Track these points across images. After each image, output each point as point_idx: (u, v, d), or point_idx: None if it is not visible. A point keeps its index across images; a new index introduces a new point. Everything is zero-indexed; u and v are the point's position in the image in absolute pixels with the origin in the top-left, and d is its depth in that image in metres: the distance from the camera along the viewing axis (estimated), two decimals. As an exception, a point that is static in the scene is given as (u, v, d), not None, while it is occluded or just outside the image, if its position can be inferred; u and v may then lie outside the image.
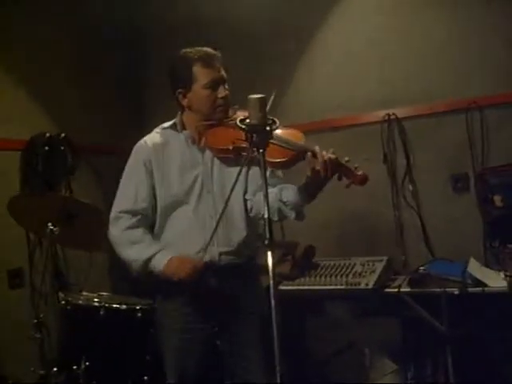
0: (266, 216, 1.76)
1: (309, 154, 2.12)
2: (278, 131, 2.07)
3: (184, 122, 2.41)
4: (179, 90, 2.33)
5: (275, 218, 2.27)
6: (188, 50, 2.34)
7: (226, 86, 2.33)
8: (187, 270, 2.23)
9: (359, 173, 2.17)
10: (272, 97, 2.08)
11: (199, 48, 2.33)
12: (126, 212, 2.36)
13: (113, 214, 2.39)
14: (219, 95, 2.30)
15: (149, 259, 2.29)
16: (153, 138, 2.42)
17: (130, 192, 2.38)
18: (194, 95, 2.31)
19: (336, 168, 2.13)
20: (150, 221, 2.39)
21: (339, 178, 2.20)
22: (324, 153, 2.11)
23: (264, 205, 1.78)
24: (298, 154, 2.16)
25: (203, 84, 2.28)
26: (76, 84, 3.84)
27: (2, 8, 3.37)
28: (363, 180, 2.18)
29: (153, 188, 2.37)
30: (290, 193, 2.21)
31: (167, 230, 2.39)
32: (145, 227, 2.37)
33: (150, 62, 4.28)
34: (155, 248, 2.32)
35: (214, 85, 2.29)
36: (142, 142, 2.43)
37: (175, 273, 2.25)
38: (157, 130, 2.46)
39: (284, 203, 2.23)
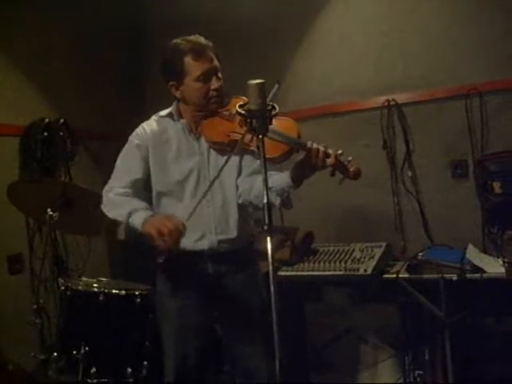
0: (265, 201, 1.77)
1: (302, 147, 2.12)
2: (273, 124, 2.07)
3: (181, 111, 2.40)
4: (171, 83, 2.32)
5: (261, 205, 2.25)
6: (179, 40, 2.30)
7: (220, 75, 2.31)
8: (166, 231, 2.09)
9: (352, 168, 2.16)
10: (275, 89, 2.07)
11: (190, 38, 2.29)
12: (117, 187, 2.38)
13: (105, 189, 2.41)
14: (212, 87, 2.27)
15: (129, 214, 2.25)
16: (151, 124, 2.42)
17: (122, 172, 2.40)
18: (186, 88, 2.30)
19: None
20: (142, 199, 2.37)
21: (332, 174, 2.19)
22: (316, 146, 2.11)
23: (263, 190, 1.78)
24: (291, 149, 2.16)
25: (195, 77, 2.26)
26: (75, 70, 3.83)
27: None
28: (356, 175, 2.18)
29: (148, 174, 2.38)
30: (275, 178, 2.20)
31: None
32: (135, 197, 2.37)
33: (151, 47, 4.26)
34: (139, 205, 2.29)
35: (206, 77, 2.26)
36: (140, 128, 2.43)
37: (153, 233, 2.12)
38: (154, 117, 2.45)
39: (269, 189, 2.22)
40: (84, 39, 3.91)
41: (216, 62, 2.30)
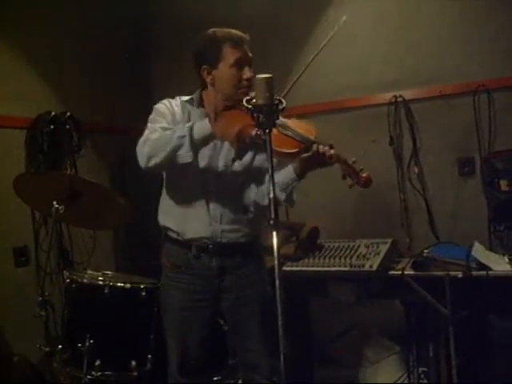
0: (271, 196, 1.76)
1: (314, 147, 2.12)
2: (292, 122, 2.05)
3: (203, 99, 2.39)
4: (204, 67, 2.31)
5: (265, 202, 2.23)
6: (218, 29, 2.32)
7: (251, 69, 2.31)
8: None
9: (364, 174, 2.16)
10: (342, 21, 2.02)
11: (229, 29, 2.32)
12: (159, 127, 2.30)
13: (142, 139, 2.27)
14: (244, 76, 2.27)
15: (191, 128, 2.15)
16: (176, 102, 2.41)
17: (160, 116, 2.35)
18: (219, 73, 2.29)
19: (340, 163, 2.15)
20: None
21: (343, 177, 2.20)
22: (328, 149, 2.12)
23: (270, 185, 1.78)
24: (306, 148, 2.16)
25: (230, 63, 2.26)
26: (82, 63, 3.83)
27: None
28: (367, 182, 2.18)
29: None
30: (279, 173, 2.21)
31: (172, 199, 2.40)
32: None
33: (158, 40, 4.26)
34: (190, 122, 2.22)
35: (240, 65, 2.27)
36: (166, 101, 2.41)
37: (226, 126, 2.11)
38: (176, 98, 2.43)
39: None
40: (90, 33, 3.90)
41: (251, 54, 2.31)
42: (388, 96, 3.60)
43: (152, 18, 4.31)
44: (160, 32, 4.23)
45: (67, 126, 3.52)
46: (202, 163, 2.33)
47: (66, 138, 3.51)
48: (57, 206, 2.81)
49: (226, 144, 2.35)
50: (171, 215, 2.40)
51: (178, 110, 2.38)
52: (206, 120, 2.17)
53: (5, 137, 3.33)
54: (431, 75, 3.51)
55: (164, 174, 2.42)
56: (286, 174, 2.23)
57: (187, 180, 2.34)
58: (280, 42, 3.88)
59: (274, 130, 1.89)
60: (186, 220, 2.35)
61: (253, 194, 2.36)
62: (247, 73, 2.28)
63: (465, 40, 3.42)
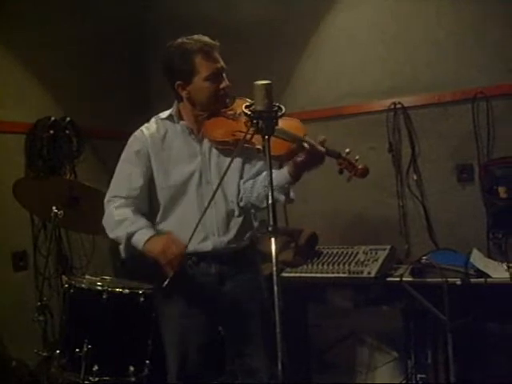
0: (270, 202, 1.76)
1: (305, 145, 2.13)
2: (280, 123, 2.06)
3: (181, 112, 2.39)
4: (178, 82, 2.29)
5: (264, 205, 2.25)
6: (185, 39, 2.28)
7: (224, 75, 2.31)
8: (170, 256, 2.15)
9: (360, 166, 2.17)
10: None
11: (197, 37, 2.28)
12: (118, 196, 2.35)
13: (106, 199, 2.38)
14: (220, 86, 2.28)
15: (131, 234, 2.24)
16: (150, 127, 2.40)
17: (122, 179, 2.37)
18: (194, 87, 2.28)
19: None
20: (143, 208, 2.37)
21: (340, 172, 2.20)
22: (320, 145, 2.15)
23: (269, 191, 1.78)
24: (297, 148, 2.16)
25: (205, 76, 2.25)
26: (82, 68, 3.83)
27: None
28: (364, 173, 2.18)
29: (149, 178, 2.36)
30: (274, 176, 2.20)
31: (168, 220, 2.39)
32: (135, 209, 2.33)
33: (158, 45, 4.26)
34: (140, 225, 2.27)
35: (215, 76, 2.26)
36: (139, 131, 2.40)
37: (158, 256, 2.17)
38: (154, 119, 2.43)
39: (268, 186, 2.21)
40: (89, 38, 3.91)
41: (222, 62, 2.30)
42: (387, 103, 3.61)
43: (153, 25, 4.33)
44: (160, 38, 4.23)
45: (67, 131, 3.54)
46: (194, 179, 2.33)
47: (65, 143, 3.52)
48: (56, 210, 2.81)
49: (215, 152, 2.35)
50: (167, 230, 2.38)
51: (152, 135, 2.36)
52: (148, 233, 2.23)
53: (4, 142, 3.34)
54: (430, 82, 3.52)
55: (157, 194, 2.39)
56: (280, 176, 2.22)
57: (182, 198, 2.34)
58: (279, 47, 3.89)
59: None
60: (183, 237, 2.34)
61: (250, 196, 2.35)
62: (223, 83, 2.28)
63: (463, 47, 3.43)
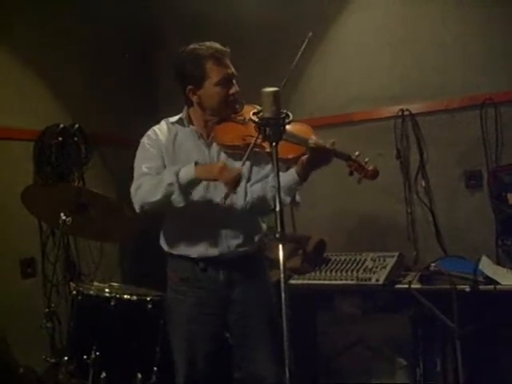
0: (277, 209, 1.76)
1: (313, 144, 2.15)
2: (288, 127, 2.07)
3: (191, 117, 2.42)
4: (190, 87, 2.33)
5: (271, 207, 2.24)
6: (197, 46, 2.33)
7: (234, 82, 2.34)
8: (226, 175, 2.12)
9: (370, 167, 2.17)
10: (307, 38, 2.06)
11: (209, 44, 2.32)
12: (143, 177, 2.32)
13: (133, 188, 2.32)
14: (230, 91, 2.31)
15: (177, 173, 2.19)
16: (162, 128, 2.43)
17: (143, 171, 2.35)
18: (205, 92, 2.32)
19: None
20: None
21: (350, 174, 2.21)
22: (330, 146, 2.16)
23: (276, 198, 1.78)
24: (306, 150, 2.17)
25: (215, 81, 2.29)
26: (90, 75, 3.86)
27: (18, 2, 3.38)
28: (374, 174, 2.19)
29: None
30: (281, 177, 2.21)
31: (175, 224, 2.40)
32: None
33: (164, 52, 4.28)
34: (178, 166, 2.24)
35: (225, 82, 2.30)
36: (151, 130, 2.44)
37: (214, 171, 2.16)
38: (164, 122, 2.46)
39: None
40: (99, 44, 3.94)
41: (233, 69, 2.34)
42: (395, 109, 3.60)
43: (161, 31, 4.34)
44: (171, 46, 4.25)
45: (75, 139, 3.55)
46: (202, 183, 2.33)
47: (73, 150, 3.53)
48: (64, 217, 2.82)
49: (223, 156, 2.37)
50: (175, 239, 2.40)
51: (164, 135, 2.40)
52: (192, 164, 2.20)
53: (13, 149, 3.35)
54: (438, 88, 3.51)
55: None
56: (288, 177, 2.23)
57: (191, 202, 2.34)
58: (287, 52, 3.88)
59: None
60: (193, 242, 2.34)
61: (256, 198, 2.35)
62: (233, 88, 2.31)
63: (471, 53, 3.42)
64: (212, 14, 3.89)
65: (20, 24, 3.43)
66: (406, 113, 3.58)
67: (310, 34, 2.16)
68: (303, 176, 2.21)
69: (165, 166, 2.35)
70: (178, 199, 2.20)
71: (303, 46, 1.98)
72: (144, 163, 2.36)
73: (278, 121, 1.84)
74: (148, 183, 2.27)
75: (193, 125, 2.41)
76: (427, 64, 3.55)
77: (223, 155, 2.38)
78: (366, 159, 2.21)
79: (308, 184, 2.28)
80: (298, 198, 2.29)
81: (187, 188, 2.21)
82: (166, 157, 2.37)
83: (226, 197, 2.12)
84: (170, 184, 2.19)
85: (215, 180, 2.19)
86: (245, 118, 2.29)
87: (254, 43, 3.90)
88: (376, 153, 3.61)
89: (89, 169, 3.64)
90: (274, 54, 3.88)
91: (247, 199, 2.37)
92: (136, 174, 2.37)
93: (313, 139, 2.18)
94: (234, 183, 2.11)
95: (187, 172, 2.19)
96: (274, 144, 1.83)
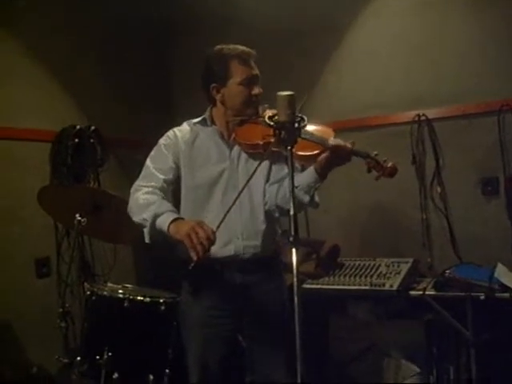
0: (291, 213, 1.76)
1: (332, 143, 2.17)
2: (310, 127, 2.07)
3: (213, 117, 2.43)
4: (213, 85, 2.35)
5: (289, 206, 2.24)
6: (225, 46, 2.36)
7: (259, 85, 2.36)
8: (196, 240, 2.02)
9: (389, 165, 2.17)
10: (304, 99, 2.09)
11: (236, 46, 2.35)
12: (145, 186, 2.33)
13: (132, 188, 2.37)
14: (253, 92, 2.33)
15: (157, 216, 2.18)
16: (183, 129, 2.45)
17: (150, 171, 2.37)
18: (228, 91, 2.34)
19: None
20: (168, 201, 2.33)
21: (368, 171, 2.21)
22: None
23: (290, 201, 1.78)
24: (325, 149, 2.18)
25: (239, 80, 2.31)
26: (107, 77, 3.89)
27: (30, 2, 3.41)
28: (392, 172, 2.19)
29: (176, 175, 2.38)
30: (299, 176, 2.23)
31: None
32: (162, 198, 2.30)
33: (179, 55, 4.30)
34: (166, 207, 2.23)
35: (248, 82, 2.32)
36: (171, 131, 2.46)
37: (184, 239, 2.05)
38: (186, 123, 2.48)
39: (296, 188, 2.21)
40: (116, 46, 3.97)
41: (257, 71, 2.35)
42: (411, 114, 3.58)
43: (177, 34, 4.36)
44: (184, 48, 4.26)
45: (91, 140, 3.57)
46: (221, 183, 2.35)
47: (89, 152, 3.55)
48: (79, 218, 2.84)
49: (243, 157, 2.38)
50: None
51: (183, 135, 2.41)
52: (171, 216, 2.16)
53: (30, 150, 3.38)
54: (454, 93, 3.48)
55: (181, 194, 2.42)
56: (307, 175, 2.24)
57: (207, 201, 2.35)
58: (303, 57, 3.89)
59: None
60: None
61: (275, 198, 2.35)
62: (256, 89, 2.33)
63: (487, 58, 3.40)
64: (227, 15, 3.90)
65: (37, 26, 3.46)
66: (423, 118, 3.56)
67: (306, 96, 2.17)
68: (322, 174, 2.21)
69: (174, 169, 2.37)
70: (145, 235, 2.25)
71: (300, 105, 1.98)
72: (154, 163, 2.38)
73: (293, 125, 1.84)
74: (139, 199, 2.29)
75: (215, 125, 2.43)
76: (443, 69, 3.53)
77: (243, 156, 2.38)
78: (385, 158, 2.21)
79: (323, 189, 2.28)
80: (316, 198, 2.29)
81: (158, 233, 2.22)
82: (183, 159, 2.38)
83: (190, 265, 2.06)
84: (145, 220, 2.21)
85: (181, 241, 2.10)
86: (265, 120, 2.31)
87: (267, 48, 3.88)
88: (392, 158, 3.60)
89: (104, 170, 3.66)
90: (290, 60, 3.88)
91: (265, 199, 2.38)
92: (143, 171, 2.40)
93: (332, 140, 2.19)
94: (199, 247, 2.02)
95: (164, 221, 2.17)
96: (288, 148, 1.83)
